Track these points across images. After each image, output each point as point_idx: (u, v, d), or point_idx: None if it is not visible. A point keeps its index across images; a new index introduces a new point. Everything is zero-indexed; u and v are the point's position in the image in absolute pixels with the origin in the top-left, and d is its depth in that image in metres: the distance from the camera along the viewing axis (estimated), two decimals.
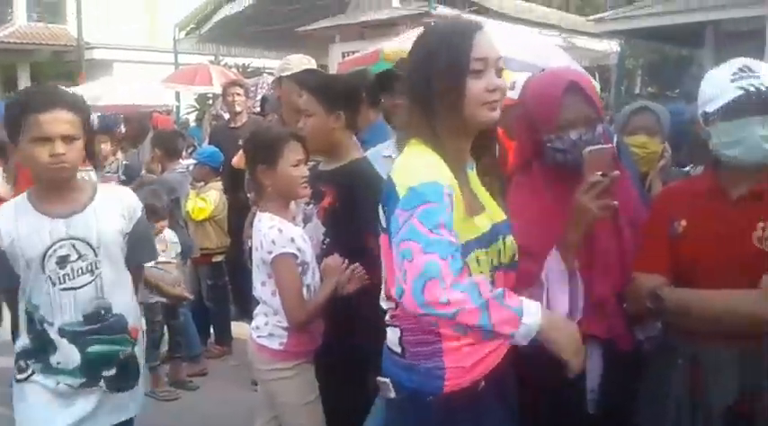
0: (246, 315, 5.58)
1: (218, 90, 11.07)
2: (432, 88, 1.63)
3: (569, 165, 1.93)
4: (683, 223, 1.92)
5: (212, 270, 4.95)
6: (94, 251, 2.18)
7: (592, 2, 21.68)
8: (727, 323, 1.80)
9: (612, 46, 13.28)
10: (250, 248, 5.17)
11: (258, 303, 2.64)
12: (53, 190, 2.18)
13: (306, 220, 2.70)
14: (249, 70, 14.39)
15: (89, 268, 2.18)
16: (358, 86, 2.93)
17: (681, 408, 1.85)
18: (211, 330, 5.20)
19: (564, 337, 1.56)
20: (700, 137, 1.95)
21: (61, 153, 2.07)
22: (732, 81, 1.82)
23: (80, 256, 2.16)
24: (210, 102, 12.72)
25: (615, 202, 1.81)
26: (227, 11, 14.83)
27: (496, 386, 1.70)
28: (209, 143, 5.74)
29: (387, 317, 1.76)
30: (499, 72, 1.65)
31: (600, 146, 1.86)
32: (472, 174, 1.76)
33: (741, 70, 1.83)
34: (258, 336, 2.54)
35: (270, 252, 2.41)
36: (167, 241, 4.38)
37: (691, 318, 1.85)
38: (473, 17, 1.83)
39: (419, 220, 1.48)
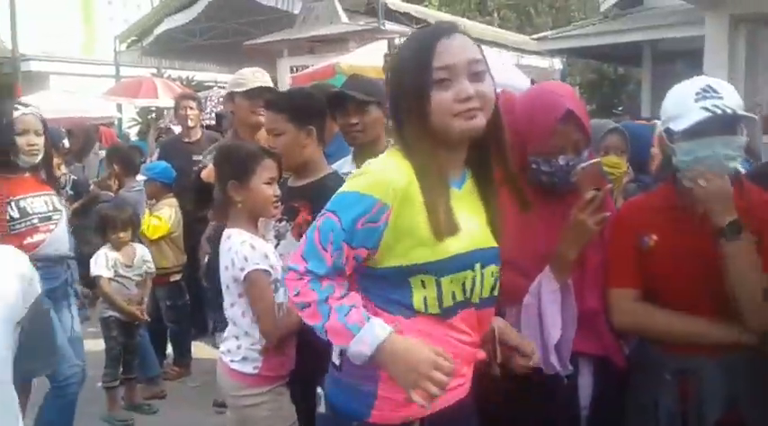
0: (204, 334, 5.46)
1: (163, 103, 10.88)
2: (399, 101, 1.56)
3: (554, 186, 1.95)
4: (654, 237, 1.96)
5: (170, 289, 4.78)
6: None
7: (531, 21, 22.27)
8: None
9: (555, 63, 13.65)
10: (206, 264, 5.09)
11: (222, 323, 2.55)
12: None
13: (279, 237, 2.64)
14: (193, 83, 14.16)
15: None
16: (324, 100, 2.91)
17: (672, 421, 1.87)
18: (168, 350, 5.04)
19: (401, 372, 1.45)
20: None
21: None
22: (696, 100, 1.86)
23: None
24: (153, 115, 12.45)
25: (608, 213, 1.84)
26: (170, 23, 14.57)
27: None
28: (159, 157, 5.59)
29: None
30: (475, 76, 1.51)
31: (590, 161, 1.88)
32: (458, 192, 1.59)
33: (704, 90, 1.88)
34: (231, 360, 2.44)
35: (242, 269, 2.34)
36: (138, 256, 4.21)
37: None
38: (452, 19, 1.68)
39: (320, 226, 1.51)
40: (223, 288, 2.47)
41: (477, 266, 1.54)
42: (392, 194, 1.47)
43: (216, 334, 5.40)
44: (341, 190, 1.54)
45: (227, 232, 2.47)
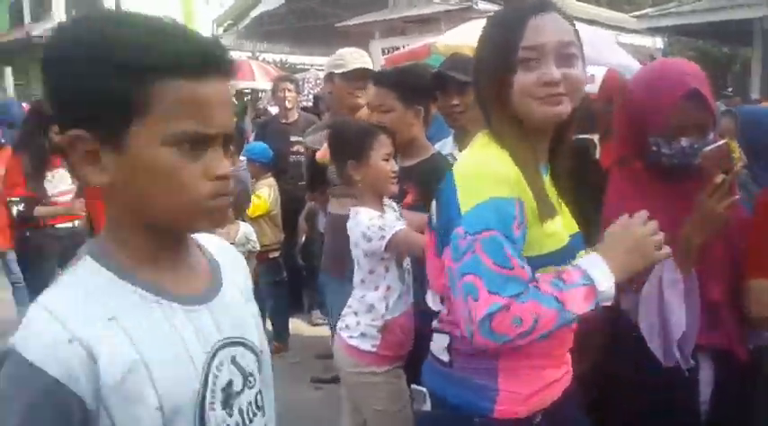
0: (300, 311, 5.59)
1: (259, 85, 11.14)
2: (482, 80, 1.47)
3: (675, 168, 1.85)
4: None
5: (269, 266, 4.89)
6: (258, 360, 1.13)
7: None
8: None
9: (657, 42, 13.08)
10: (303, 243, 5.18)
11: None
12: (169, 244, 1.03)
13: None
14: (287, 66, 14.43)
15: (258, 401, 1.12)
16: (428, 80, 2.89)
17: None
18: (268, 327, 5.17)
19: (638, 262, 1.42)
20: None
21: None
22: None
23: (246, 378, 1.08)
24: (249, 97, 12.77)
25: (737, 196, 1.73)
26: (264, 6, 14.89)
27: (556, 424, 1.51)
28: (256, 138, 5.73)
29: (434, 322, 1.57)
30: (565, 59, 1.40)
31: (716, 144, 1.78)
32: (546, 179, 1.53)
33: None
34: (349, 336, 2.40)
35: (383, 238, 2.30)
36: (240, 233, 4.26)
37: None
38: None
39: (485, 251, 1.32)
40: (355, 266, 2.46)
41: (576, 253, 1.50)
42: (517, 188, 1.38)
43: (311, 312, 5.54)
44: (474, 204, 1.35)
45: (354, 209, 2.45)
